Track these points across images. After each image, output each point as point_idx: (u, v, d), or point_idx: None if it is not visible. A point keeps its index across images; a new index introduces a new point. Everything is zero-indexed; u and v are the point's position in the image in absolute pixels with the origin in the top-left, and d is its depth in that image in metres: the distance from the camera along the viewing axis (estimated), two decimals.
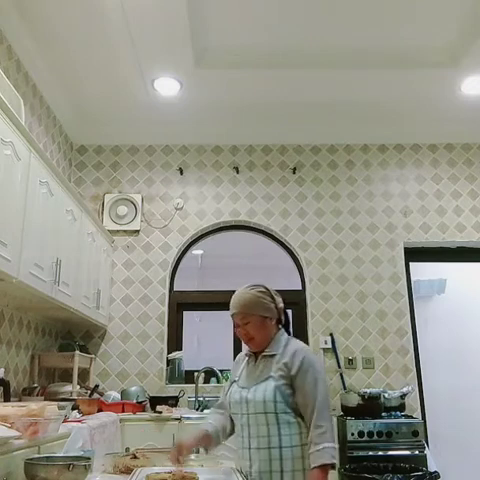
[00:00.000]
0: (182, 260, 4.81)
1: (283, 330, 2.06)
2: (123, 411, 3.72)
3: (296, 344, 1.98)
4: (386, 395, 3.94)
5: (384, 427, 3.69)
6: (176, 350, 4.50)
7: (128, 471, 1.95)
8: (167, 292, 4.58)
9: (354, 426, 3.69)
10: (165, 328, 4.49)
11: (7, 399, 2.87)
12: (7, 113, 2.51)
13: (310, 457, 1.79)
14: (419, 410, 4.27)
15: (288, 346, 1.96)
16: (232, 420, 2.04)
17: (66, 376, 4.07)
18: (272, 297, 2.03)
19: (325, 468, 1.76)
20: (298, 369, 1.87)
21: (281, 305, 2.04)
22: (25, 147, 2.71)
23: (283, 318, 2.06)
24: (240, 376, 2.03)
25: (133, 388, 4.09)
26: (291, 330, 2.11)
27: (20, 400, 3.32)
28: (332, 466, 1.78)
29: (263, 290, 2.03)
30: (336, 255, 4.65)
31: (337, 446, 1.82)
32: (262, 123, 4.77)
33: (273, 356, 1.95)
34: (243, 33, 3.66)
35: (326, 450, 1.77)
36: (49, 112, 4.28)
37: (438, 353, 5.27)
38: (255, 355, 2.03)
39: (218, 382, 4.33)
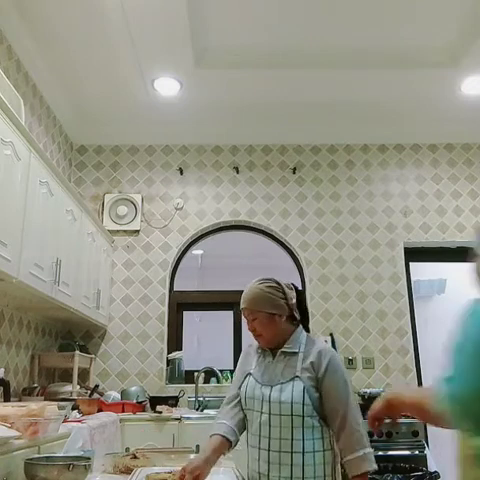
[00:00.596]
0: (182, 260, 4.81)
1: (301, 327, 1.94)
2: (123, 411, 3.72)
3: (320, 343, 1.89)
4: None
5: (384, 427, 3.68)
6: (176, 350, 4.50)
7: (128, 471, 1.95)
8: (167, 292, 4.58)
9: None
10: (165, 328, 4.49)
11: (7, 399, 2.87)
12: (7, 113, 2.51)
13: (349, 464, 1.71)
14: None
15: (312, 345, 1.86)
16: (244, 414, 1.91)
17: (66, 376, 4.07)
18: (283, 292, 1.89)
19: (366, 476, 1.70)
20: (325, 370, 1.78)
21: (293, 301, 1.90)
22: (25, 147, 2.71)
23: (297, 314, 1.91)
24: (254, 370, 1.90)
25: (133, 388, 4.09)
26: (309, 326, 2.01)
27: (20, 400, 3.32)
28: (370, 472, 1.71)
29: (273, 285, 1.90)
30: (336, 255, 4.65)
31: (372, 450, 1.76)
32: (262, 123, 4.77)
33: (295, 354, 1.85)
34: (243, 33, 3.66)
35: (366, 456, 1.71)
36: (49, 112, 4.28)
37: (438, 353, 5.26)
38: (272, 350, 1.91)
39: (218, 382, 4.33)
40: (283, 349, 1.87)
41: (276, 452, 1.76)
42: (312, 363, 1.80)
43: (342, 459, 1.77)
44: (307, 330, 1.97)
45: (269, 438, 1.78)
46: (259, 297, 1.87)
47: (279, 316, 1.87)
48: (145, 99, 4.38)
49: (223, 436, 1.81)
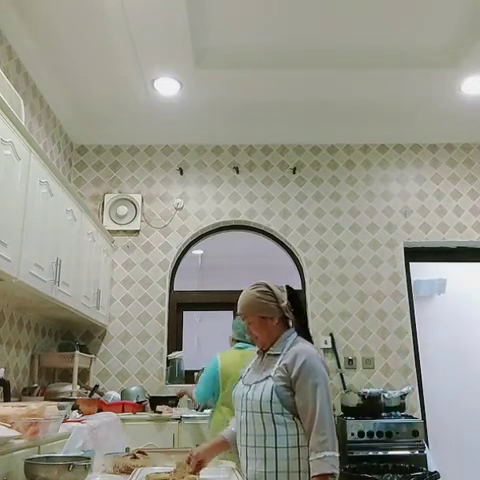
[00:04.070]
0: (182, 260, 4.81)
1: (292, 330, 2.01)
2: (123, 411, 3.72)
3: (300, 346, 1.92)
4: (386, 395, 3.94)
5: (384, 427, 3.69)
6: (176, 350, 4.50)
7: (128, 471, 1.95)
8: (167, 292, 4.58)
9: (354, 426, 3.69)
10: (165, 328, 4.49)
11: (7, 399, 2.87)
12: (7, 113, 2.51)
13: (311, 465, 1.77)
14: (419, 410, 4.27)
15: (292, 347, 1.92)
16: None
17: (66, 376, 4.07)
18: (274, 295, 1.98)
19: (325, 477, 1.74)
20: (298, 372, 1.83)
21: (284, 304, 1.98)
22: (25, 147, 2.71)
23: (289, 315, 1.99)
24: (247, 373, 2.03)
25: (133, 388, 4.09)
26: (309, 327, 2.06)
27: (20, 400, 3.32)
28: (332, 475, 1.74)
29: (264, 289, 1.99)
30: (336, 255, 4.65)
31: (338, 455, 1.77)
32: (262, 123, 4.77)
33: (277, 356, 1.93)
34: (243, 33, 3.66)
35: (326, 459, 1.73)
36: (49, 112, 4.28)
37: (438, 353, 5.26)
38: (263, 353, 2.01)
39: None
40: (269, 351, 1.97)
41: (252, 447, 1.85)
42: (285, 364, 1.87)
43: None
44: (305, 329, 2.02)
45: (246, 434, 1.88)
46: (251, 302, 1.99)
47: (271, 319, 1.97)
48: (145, 99, 4.38)
49: (224, 438, 2.02)
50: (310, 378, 1.82)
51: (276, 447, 1.81)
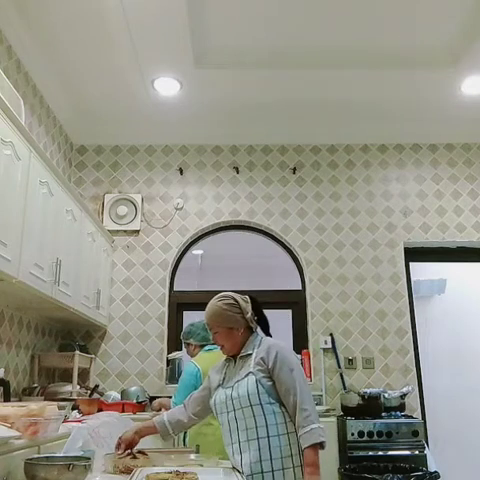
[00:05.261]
0: (182, 260, 4.81)
1: (257, 333, 2.16)
2: (123, 411, 3.72)
3: (269, 341, 2.09)
4: (386, 395, 3.94)
5: (384, 427, 3.69)
6: (176, 350, 4.50)
7: (128, 471, 1.95)
8: (167, 292, 4.58)
9: (354, 426, 3.69)
10: (165, 328, 4.49)
11: (7, 399, 2.87)
12: (7, 113, 2.51)
13: (300, 440, 1.90)
14: (419, 410, 4.27)
15: (262, 344, 2.08)
16: (191, 416, 2.19)
17: (66, 376, 4.07)
18: (240, 308, 2.12)
19: (315, 447, 1.88)
20: (274, 362, 1.98)
21: (248, 315, 2.12)
22: (25, 147, 2.71)
23: (253, 325, 2.14)
24: (224, 380, 2.11)
25: (133, 388, 4.09)
26: (270, 332, 2.20)
27: (20, 400, 3.32)
28: (321, 445, 1.88)
29: (230, 302, 2.14)
30: (336, 255, 4.65)
31: (323, 426, 1.92)
32: (262, 123, 4.77)
33: (250, 355, 2.06)
34: (243, 33, 3.66)
35: (313, 431, 1.88)
36: (49, 112, 4.28)
37: (438, 353, 5.26)
38: (234, 358, 2.13)
39: None
40: (240, 354, 2.11)
41: (244, 442, 1.96)
42: (262, 358, 2.02)
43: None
44: (267, 334, 2.19)
45: (237, 431, 1.98)
46: (217, 314, 2.14)
47: (237, 329, 2.11)
48: (145, 99, 4.38)
49: (154, 424, 2.18)
50: (284, 366, 1.98)
51: (268, 436, 1.93)
